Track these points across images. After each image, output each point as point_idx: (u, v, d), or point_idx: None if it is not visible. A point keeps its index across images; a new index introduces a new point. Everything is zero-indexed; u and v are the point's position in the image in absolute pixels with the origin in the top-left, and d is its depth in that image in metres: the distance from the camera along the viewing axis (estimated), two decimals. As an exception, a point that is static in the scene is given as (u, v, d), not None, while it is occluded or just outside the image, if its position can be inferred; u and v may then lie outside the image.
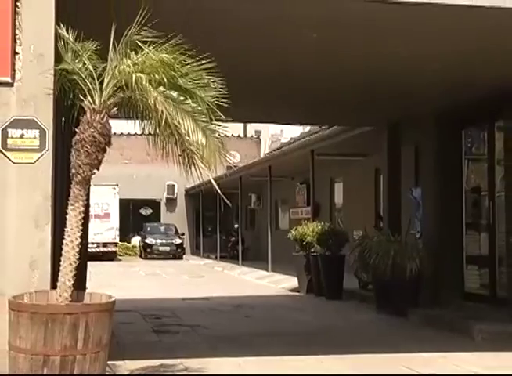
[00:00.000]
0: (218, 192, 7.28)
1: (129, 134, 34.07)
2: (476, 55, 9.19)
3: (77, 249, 6.12)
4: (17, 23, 6.27)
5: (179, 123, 6.35)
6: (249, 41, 8.66)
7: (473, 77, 10.29)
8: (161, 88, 6.26)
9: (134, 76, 6.16)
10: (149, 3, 6.03)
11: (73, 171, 6.16)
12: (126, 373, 7.29)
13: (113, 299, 6.19)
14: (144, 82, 6.16)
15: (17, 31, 6.28)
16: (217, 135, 6.52)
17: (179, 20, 6.69)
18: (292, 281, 18.60)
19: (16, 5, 6.27)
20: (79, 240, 6.13)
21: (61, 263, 6.08)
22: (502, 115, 11.17)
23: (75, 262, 6.09)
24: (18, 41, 6.27)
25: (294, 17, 7.83)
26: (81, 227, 6.14)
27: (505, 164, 11.31)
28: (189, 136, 6.43)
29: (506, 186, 11.14)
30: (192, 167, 6.63)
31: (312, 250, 16.72)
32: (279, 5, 7.42)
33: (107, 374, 6.42)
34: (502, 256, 11.39)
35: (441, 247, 12.59)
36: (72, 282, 6.06)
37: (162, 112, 6.29)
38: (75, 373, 5.74)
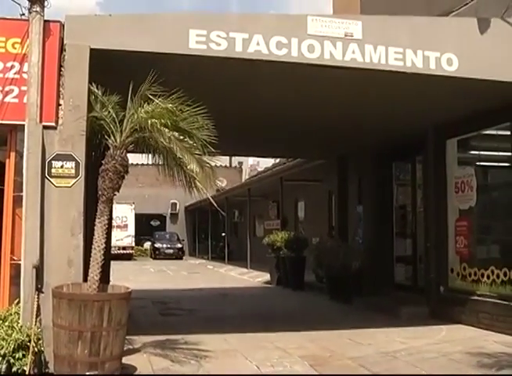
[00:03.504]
0: (215, 206, 7.30)
1: (142, 164, 33.05)
2: (398, 106, 9.27)
3: (103, 252, 6.15)
4: (61, 83, 6.36)
5: (181, 156, 6.43)
6: (231, 93, 8.63)
7: (397, 123, 10.39)
8: (166, 130, 6.31)
9: (150, 121, 6.23)
10: (156, 68, 6.13)
11: (99, 193, 6.21)
12: (139, 345, 7.27)
13: (129, 290, 6.22)
14: (159, 126, 6.23)
15: (61, 89, 6.35)
16: (208, 165, 6.57)
17: (179, 78, 6.72)
18: (266, 276, 18.58)
19: (60, 70, 6.38)
20: (104, 245, 6.16)
21: (90, 262, 6.11)
22: (421, 152, 11.30)
23: (101, 262, 6.11)
24: (61, 95, 6.34)
25: (264, 77, 7.82)
26: (105, 235, 6.18)
27: (423, 188, 11.45)
28: (187, 166, 6.52)
29: (425, 204, 11.26)
30: (191, 189, 6.72)
31: (281, 252, 16.69)
32: (250, 69, 7.42)
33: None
34: (421, 256, 11.46)
35: (378, 249, 12.65)
36: (99, 277, 6.08)
37: (169, 148, 6.38)
38: (101, 345, 5.76)
